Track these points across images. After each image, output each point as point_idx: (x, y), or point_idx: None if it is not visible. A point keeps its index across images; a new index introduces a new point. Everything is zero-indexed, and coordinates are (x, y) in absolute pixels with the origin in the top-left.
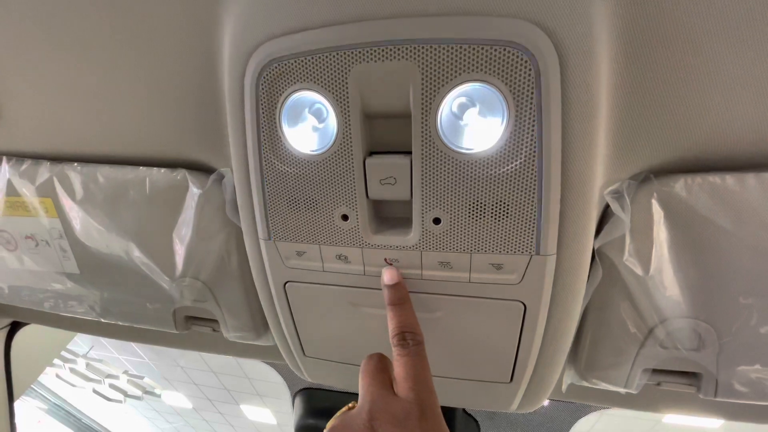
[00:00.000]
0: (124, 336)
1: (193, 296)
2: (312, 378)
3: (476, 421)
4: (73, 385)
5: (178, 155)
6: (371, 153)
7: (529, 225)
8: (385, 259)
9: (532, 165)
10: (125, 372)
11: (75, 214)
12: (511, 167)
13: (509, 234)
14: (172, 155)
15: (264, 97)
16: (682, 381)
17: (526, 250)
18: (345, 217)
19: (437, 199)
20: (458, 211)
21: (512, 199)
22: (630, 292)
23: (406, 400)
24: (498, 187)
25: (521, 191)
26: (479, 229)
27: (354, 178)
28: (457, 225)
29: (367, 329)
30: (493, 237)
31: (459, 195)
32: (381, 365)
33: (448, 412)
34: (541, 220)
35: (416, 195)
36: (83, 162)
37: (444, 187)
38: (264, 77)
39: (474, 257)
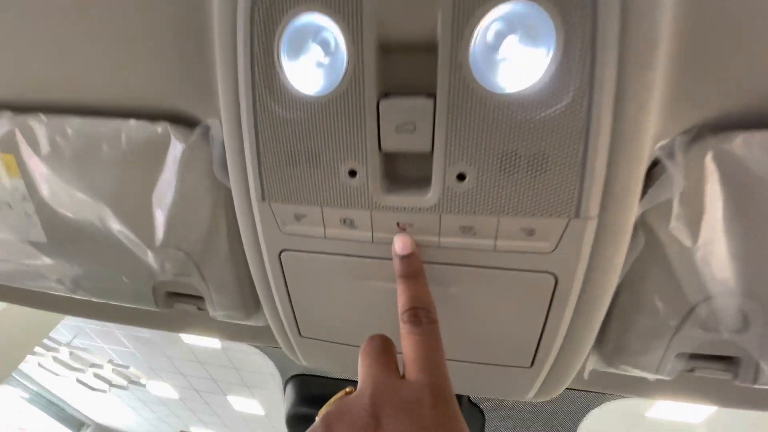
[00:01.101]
0: (98, 315)
1: (175, 269)
2: (307, 362)
3: (481, 411)
4: (56, 374)
5: (158, 104)
6: (386, 95)
7: (571, 182)
8: (398, 224)
9: (581, 107)
10: (110, 361)
11: (40, 172)
12: (556, 110)
13: (546, 192)
14: (152, 104)
15: (260, 23)
16: (718, 366)
17: (564, 213)
18: (353, 173)
19: (464, 149)
20: (488, 164)
21: (553, 150)
22: (671, 266)
23: (416, 383)
24: (537, 134)
25: (565, 140)
26: (511, 187)
27: (365, 125)
28: (485, 182)
29: (374, 306)
30: (527, 196)
31: (490, 144)
32: (384, 346)
33: None
34: (584, 177)
35: (439, 145)
36: (49, 112)
37: (473, 135)
38: None
39: (502, 221)
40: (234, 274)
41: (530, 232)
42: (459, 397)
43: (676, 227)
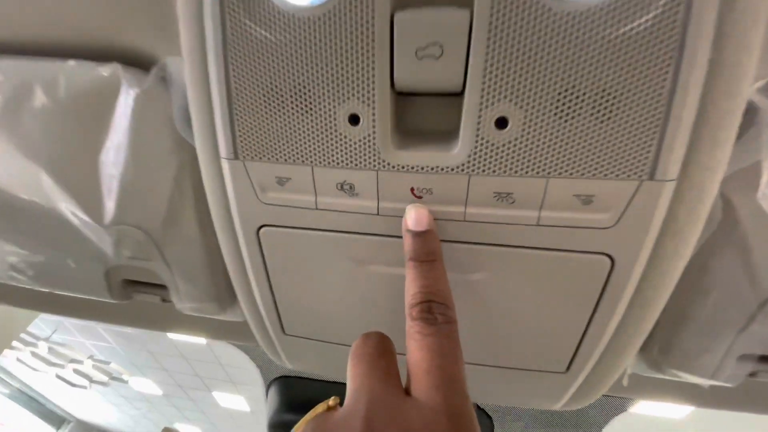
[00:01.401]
0: (43, 307)
1: (131, 252)
2: (293, 364)
3: (490, 417)
4: (35, 370)
5: (104, 41)
6: (404, 5)
7: (649, 129)
8: (412, 191)
9: (674, 22)
10: (90, 357)
11: None
12: (640, 25)
13: (614, 145)
14: (96, 41)
15: None
16: None
17: (635, 172)
18: (354, 119)
19: (509, 83)
20: (539, 104)
21: (630, 84)
22: (747, 246)
23: (427, 404)
24: (611, 61)
25: (647, 69)
26: (568, 137)
27: (373, 49)
28: (534, 129)
29: (376, 298)
30: (588, 150)
31: (546, 76)
32: (382, 348)
33: None
34: (668, 123)
35: (474, 76)
36: None
37: (523, 61)
38: None
39: (552, 184)
40: (204, 257)
41: (587, 200)
42: None
43: (766, 196)
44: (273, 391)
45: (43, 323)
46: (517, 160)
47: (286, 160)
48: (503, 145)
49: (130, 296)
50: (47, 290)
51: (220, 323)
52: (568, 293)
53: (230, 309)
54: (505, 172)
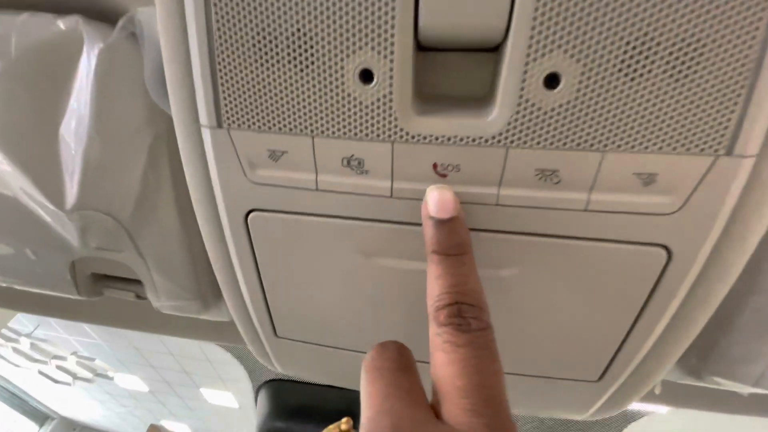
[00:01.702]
0: (7, 304)
1: (99, 241)
2: (286, 369)
3: None
4: (17, 366)
5: None
6: None
7: (733, 94)
8: (435, 167)
9: None
10: (74, 353)
11: None
12: None
13: (689, 111)
14: None
15: None
16: None
17: (712, 146)
18: (366, 76)
19: (564, 28)
20: (601, 57)
21: (715, 35)
22: None
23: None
24: (692, 6)
25: (737, 16)
26: (632, 101)
27: None
28: (591, 90)
29: (387, 297)
30: (656, 117)
31: (611, 20)
32: (403, 361)
33: None
34: (755, 87)
35: (521, 19)
36: None
37: (582, 4)
38: None
39: (608, 160)
40: (184, 248)
41: (648, 180)
42: None
43: None
44: (263, 396)
45: (25, 319)
46: (568, 129)
47: (280, 128)
48: (552, 110)
49: (100, 292)
50: (7, 285)
51: (203, 323)
52: (612, 292)
53: (215, 308)
54: (551, 144)
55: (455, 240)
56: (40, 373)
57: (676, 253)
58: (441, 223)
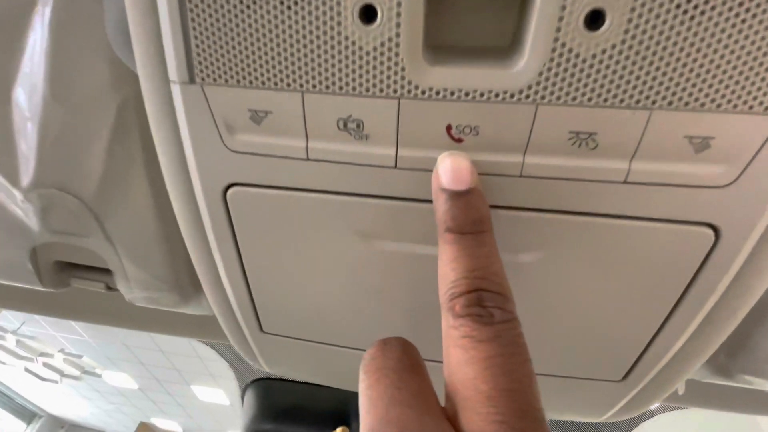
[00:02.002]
0: None
1: (62, 224)
2: (273, 368)
3: None
4: (3, 363)
5: None
6: None
7: None
8: (448, 130)
9: None
10: (61, 350)
11: None
12: None
13: (755, 60)
14: None
15: None
16: None
17: None
18: (368, 14)
19: None
20: None
21: None
22: None
23: None
24: None
25: None
26: (689, 47)
27: None
28: (642, 32)
29: (389, 285)
30: (717, 68)
31: None
32: (408, 360)
33: None
34: None
35: None
36: None
37: None
38: None
39: (656, 120)
40: (158, 232)
41: (702, 145)
42: None
43: None
44: (249, 395)
45: (11, 315)
46: (611, 82)
47: (264, 83)
48: (593, 57)
49: (67, 283)
50: None
51: (183, 317)
52: (648, 280)
53: (194, 300)
54: (590, 99)
55: (473, 215)
56: (27, 370)
57: (724, 234)
58: (456, 196)
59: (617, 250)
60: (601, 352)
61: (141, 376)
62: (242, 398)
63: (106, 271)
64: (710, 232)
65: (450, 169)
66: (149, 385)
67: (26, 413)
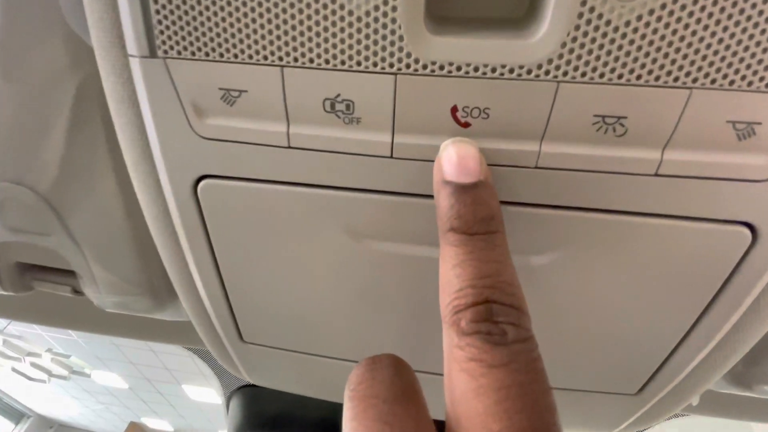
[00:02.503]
0: None
1: (18, 221)
2: (255, 380)
3: None
4: None
5: None
6: None
7: None
8: (454, 112)
9: None
10: (49, 350)
11: None
12: None
13: None
14: None
15: None
16: None
17: None
18: None
19: None
20: None
21: None
22: None
23: None
24: None
25: None
26: (736, 16)
27: None
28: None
29: (384, 291)
30: (766, 40)
31: None
32: (401, 385)
33: None
34: None
35: None
36: None
37: None
38: None
39: (696, 100)
40: (127, 230)
41: (746, 131)
42: None
43: None
44: (234, 404)
45: None
46: (646, 55)
47: (236, 56)
48: (626, 24)
49: (29, 286)
50: None
51: (159, 322)
52: (674, 286)
53: (170, 306)
54: (620, 76)
55: (483, 212)
56: (14, 370)
57: (763, 235)
58: (462, 190)
59: (643, 252)
60: (618, 364)
61: (131, 375)
62: (227, 406)
63: (73, 273)
64: (747, 232)
65: (455, 159)
66: (139, 384)
67: (14, 413)
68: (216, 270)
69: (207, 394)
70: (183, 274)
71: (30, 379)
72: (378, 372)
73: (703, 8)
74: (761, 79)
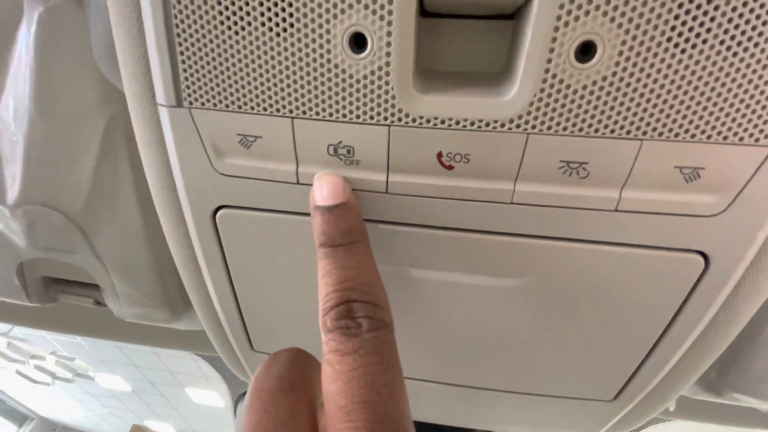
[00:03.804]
0: None
1: (49, 241)
2: None
3: None
4: None
5: None
6: None
7: None
8: (439, 157)
9: None
10: (53, 353)
11: None
12: None
13: (746, 93)
14: None
15: None
16: None
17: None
18: (358, 42)
19: None
20: (646, 23)
21: None
22: None
23: None
24: None
25: None
26: (679, 78)
27: None
28: (632, 64)
29: None
30: (707, 100)
31: None
32: (290, 377)
33: None
34: None
35: None
36: None
37: None
38: None
39: (647, 150)
40: (147, 249)
41: (692, 175)
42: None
43: None
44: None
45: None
46: (602, 112)
47: (252, 108)
48: (583, 88)
49: (55, 298)
50: None
51: (174, 331)
52: (639, 305)
53: (185, 316)
54: (581, 129)
55: (344, 227)
56: (18, 373)
57: (714, 261)
58: (327, 211)
59: (608, 275)
60: (592, 373)
61: (134, 378)
62: (234, 410)
63: (95, 287)
64: (700, 260)
65: (323, 187)
66: (143, 387)
67: (17, 416)
68: (230, 286)
69: (210, 397)
70: (200, 290)
71: (34, 381)
72: (273, 366)
73: (648, 75)
74: (702, 131)
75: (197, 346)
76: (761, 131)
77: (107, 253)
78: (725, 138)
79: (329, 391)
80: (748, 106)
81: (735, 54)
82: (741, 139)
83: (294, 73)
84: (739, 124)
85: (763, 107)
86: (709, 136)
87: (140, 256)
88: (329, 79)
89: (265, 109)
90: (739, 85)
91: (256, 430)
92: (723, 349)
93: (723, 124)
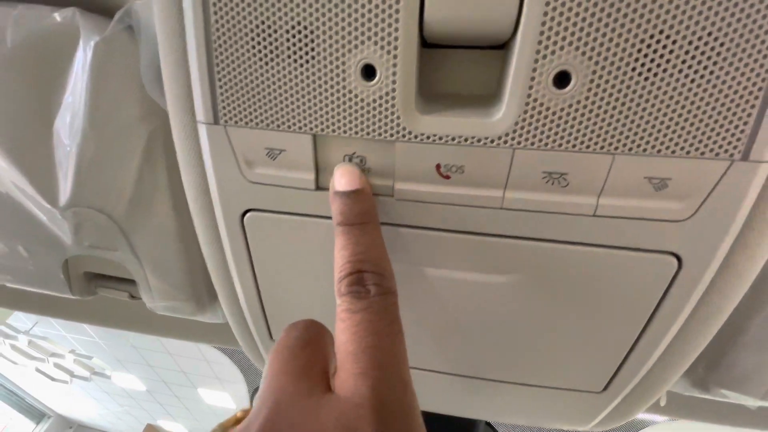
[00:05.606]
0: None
1: (93, 239)
2: None
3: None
4: (15, 363)
5: None
6: None
7: (750, 96)
8: (438, 168)
9: None
10: (72, 351)
11: None
12: None
13: (704, 113)
14: None
15: None
16: None
17: (727, 150)
18: (369, 72)
19: (577, 24)
20: (614, 55)
21: (727, 37)
22: None
23: (348, 399)
24: (704, 5)
25: (750, 20)
26: (645, 101)
27: None
28: (603, 90)
29: None
30: (670, 119)
31: (625, 16)
32: (306, 337)
33: (467, 426)
34: None
35: (530, 19)
36: None
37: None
38: None
39: (619, 163)
40: (179, 248)
41: (660, 185)
42: (474, 422)
43: None
44: None
45: (24, 316)
46: (578, 131)
47: (279, 125)
48: (561, 110)
49: (94, 291)
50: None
51: (198, 324)
52: (620, 301)
53: (210, 310)
54: (560, 145)
55: (358, 209)
56: (38, 370)
57: (686, 262)
58: (345, 195)
59: (590, 274)
60: (581, 365)
61: (149, 378)
62: (251, 401)
63: (131, 282)
64: (674, 260)
65: (343, 174)
66: (156, 387)
67: (35, 413)
68: (254, 281)
69: (221, 398)
70: (226, 284)
71: (53, 379)
72: (291, 330)
73: (617, 99)
74: (667, 147)
75: (218, 339)
76: (720, 146)
77: (144, 250)
78: (688, 152)
79: (341, 341)
80: (707, 125)
81: (692, 80)
82: (702, 153)
83: (314, 97)
84: (700, 141)
85: (721, 126)
86: (673, 151)
87: (172, 254)
88: (344, 102)
89: (289, 127)
90: (698, 107)
91: (279, 375)
92: (706, 343)
93: (686, 140)
